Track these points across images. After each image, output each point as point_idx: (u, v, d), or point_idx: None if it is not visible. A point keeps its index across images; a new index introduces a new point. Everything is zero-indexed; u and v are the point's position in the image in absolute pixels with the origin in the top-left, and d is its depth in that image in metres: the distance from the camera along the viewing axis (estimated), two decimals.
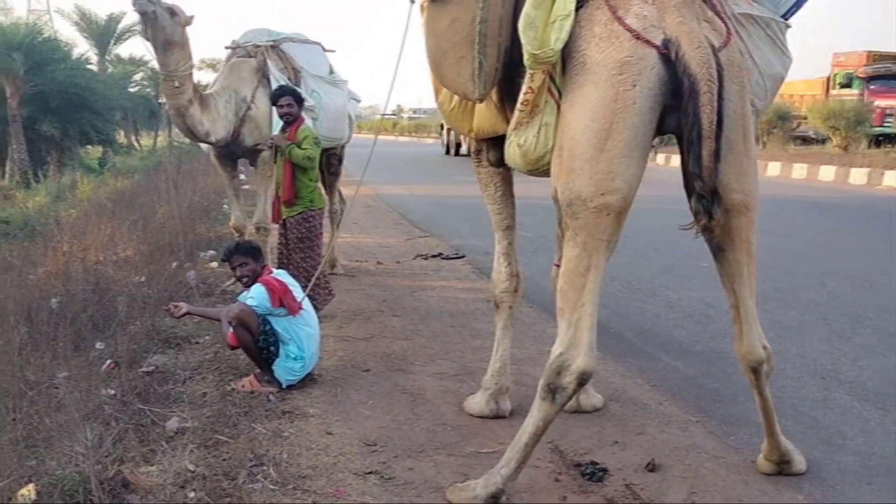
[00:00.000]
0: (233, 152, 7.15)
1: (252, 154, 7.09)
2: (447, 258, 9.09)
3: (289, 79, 7.16)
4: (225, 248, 4.98)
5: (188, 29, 6.26)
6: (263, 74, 7.07)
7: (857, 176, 17.40)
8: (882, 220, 11.85)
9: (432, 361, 5.17)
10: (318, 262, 5.81)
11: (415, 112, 51.90)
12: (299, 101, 5.98)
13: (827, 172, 18.39)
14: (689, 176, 2.96)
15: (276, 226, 6.21)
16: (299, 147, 5.74)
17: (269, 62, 7.13)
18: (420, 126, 51.20)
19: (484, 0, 3.41)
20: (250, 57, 7.24)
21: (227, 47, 7.54)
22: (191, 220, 10.27)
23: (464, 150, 26.22)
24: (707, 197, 2.92)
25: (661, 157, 20.22)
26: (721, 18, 3.21)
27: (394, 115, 41.96)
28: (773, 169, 19.82)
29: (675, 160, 3.15)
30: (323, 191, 6.88)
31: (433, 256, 9.16)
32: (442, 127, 33.72)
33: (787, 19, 3.57)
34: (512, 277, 4.20)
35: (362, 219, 12.46)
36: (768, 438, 3.52)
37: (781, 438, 3.51)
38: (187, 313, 4.79)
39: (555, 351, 3.13)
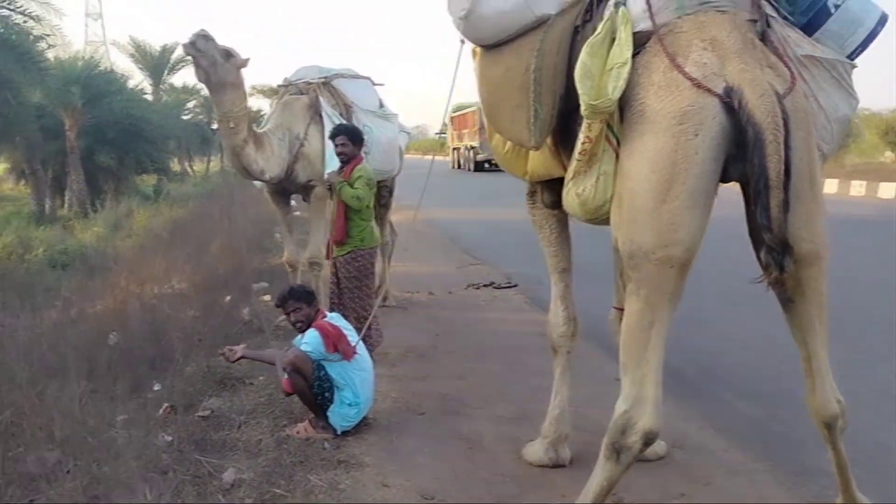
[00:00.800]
0: (286, 189, 7.21)
1: (305, 190, 7.13)
2: (499, 287, 9.03)
3: (341, 114, 7.21)
4: (279, 293, 4.98)
5: (243, 70, 6.34)
6: (316, 111, 7.13)
7: None
8: None
9: (488, 403, 5.09)
10: (370, 302, 5.78)
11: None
12: (355, 139, 5.98)
13: (887, 189, 17.87)
14: (757, 227, 2.85)
15: (329, 262, 6.22)
16: (351, 186, 5.74)
17: (321, 99, 7.18)
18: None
19: (538, 48, 3.36)
20: (302, 94, 7.30)
21: (279, 85, 7.63)
22: (244, 252, 10.37)
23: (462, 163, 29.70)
24: (777, 249, 2.81)
25: None
26: (784, 63, 3.10)
27: (443, 133, 41.73)
28: (830, 186, 19.32)
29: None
30: (376, 229, 6.87)
31: (485, 286, 9.10)
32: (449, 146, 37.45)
33: (853, 59, 3.44)
34: (569, 321, 4.11)
35: (413, 246, 12.43)
36: (843, 494, 3.35)
37: (857, 494, 3.35)
38: (242, 357, 4.80)
39: (619, 408, 3.03)
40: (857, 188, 18.79)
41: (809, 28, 3.39)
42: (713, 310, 7.32)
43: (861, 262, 9.18)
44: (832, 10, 3.39)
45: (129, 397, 5.08)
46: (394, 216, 8.68)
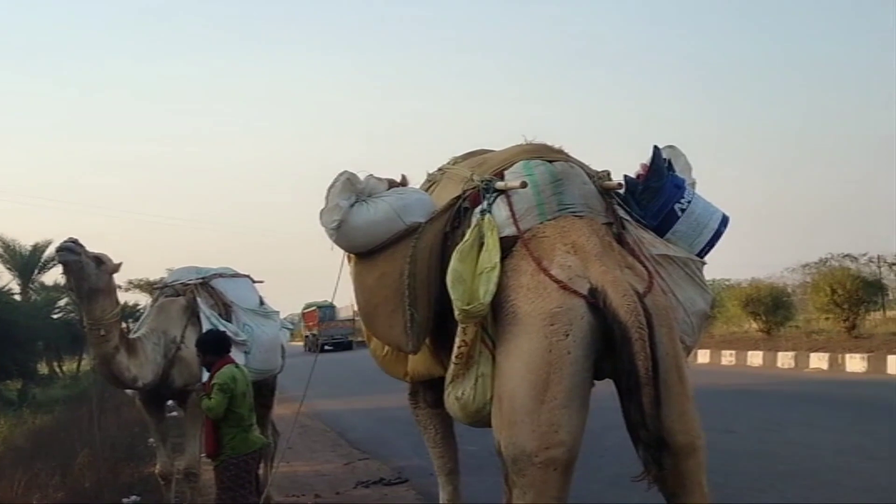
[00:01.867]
0: (161, 394, 6.88)
1: (182, 395, 6.82)
2: (390, 484, 8.70)
3: (220, 314, 7.08)
4: None
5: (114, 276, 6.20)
6: (193, 312, 6.97)
7: (785, 359, 17.87)
8: (819, 407, 12.01)
9: None
10: None
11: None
12: (207, 348, 5.68)
13: (755, 357, 18.85)
14: (634, 425, 2.90)
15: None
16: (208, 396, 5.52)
17: (198, 299, 7.05)
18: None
19: (411, 255, 3.47)
20: (179, 295, 7.16)
21: (154, 287, 7.46)
22: (114, 462, 9.67)
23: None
24: (654, 446, 2.86)
25: None
26: (641, 262, 3.31)
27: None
28: (703, 356, 20.21)
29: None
30: (255, 432, 6.54)
31: (374, 483, 8.75)
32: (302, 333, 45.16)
33: (702, 257, 3.71)
34: None
35: (298, 442, 11.97)
36: None
37: None
38: None
39: None
40: (728, 357, 19.73)
41: (660, 230, 3.67)
42: (603, 493, 7.25)
43: (744, 434, 9.47)
44: (679, 214, 3.68)
45: None
46: (277, 410, 8.38)
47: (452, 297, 3.16)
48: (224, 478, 5.51)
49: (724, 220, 3.72)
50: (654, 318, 3.01)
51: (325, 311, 40.61)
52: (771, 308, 22.29)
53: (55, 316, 35.36)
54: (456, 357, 3.24)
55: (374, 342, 4.02)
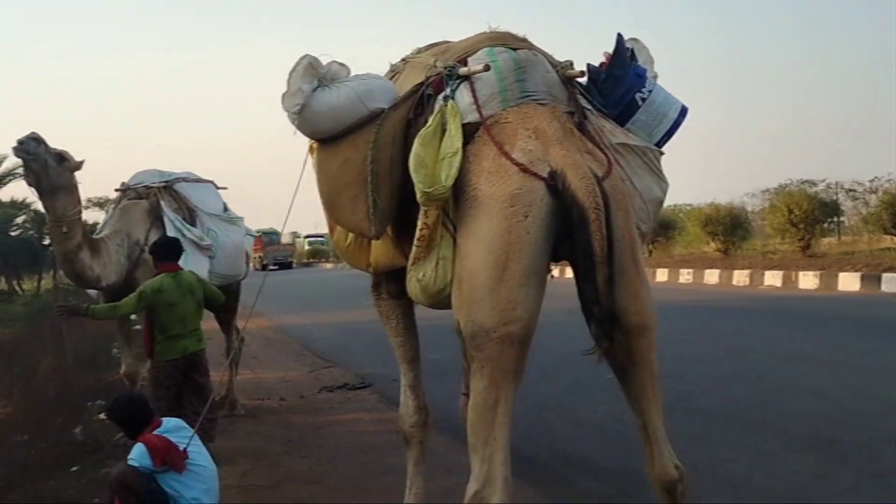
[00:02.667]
0: (125, 296, 6.88)
1: None
2: (353, 388, 8.88)
3: (184, 218, 7.04)
4: (107, 408, 4.71)
5: (77, 173, 6.11)
6: (157, 216, 6.93)
7: (740, 277, 18.32)
8: (770, 320, 12.40)
9: None
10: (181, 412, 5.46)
11: (310, 237, 53.80)
12: (155, 251, 5.78)
13: (712, 276, 19.30)
14: (587, 302, 3.00)
15: None
16: None
17: (162, 203, 7.00)
18: (317, 252, 52.33)
19: (373, 141, 3.47)
20: (141, 199, 7.09)
21: (116, 189, 7.37)
22: (77, 370, 9.71)
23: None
24: (606, 321, 2.96)
25: (555, 270, 20.74)
26: (601, 149, 3.36)
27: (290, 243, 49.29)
28: (661, 275, 20.64)
29: (569, 272, 3.19)
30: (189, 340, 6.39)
31: (338, 388, 8.93)
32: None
33: (660, 147, 3.77)
34: (420, 411, 4.11)
35: (262, 352, 12.12)
36: None
37: None
38: None
39: (470, 489, 3.03)
40: (686, 276, 20.16)
41: (621, 119, 3.71)
42: (561, 397, 7.51)
43: (696, 343, 9.78)
44: (639, 103, 3.73)
45: None
46: (241, 323, 8.43)
47: (415, 180, 3.19)
48: (150, 378, 5.69)
49: (683, 111, 3.77)
50: (611, 202, 3.07)
51: (269, 237, 43.03)
52: (729, 228, 22.72)
53: (13, 233, 34.76)
54: (417, 240, 3.29)
55: (337, 232, 4.05)
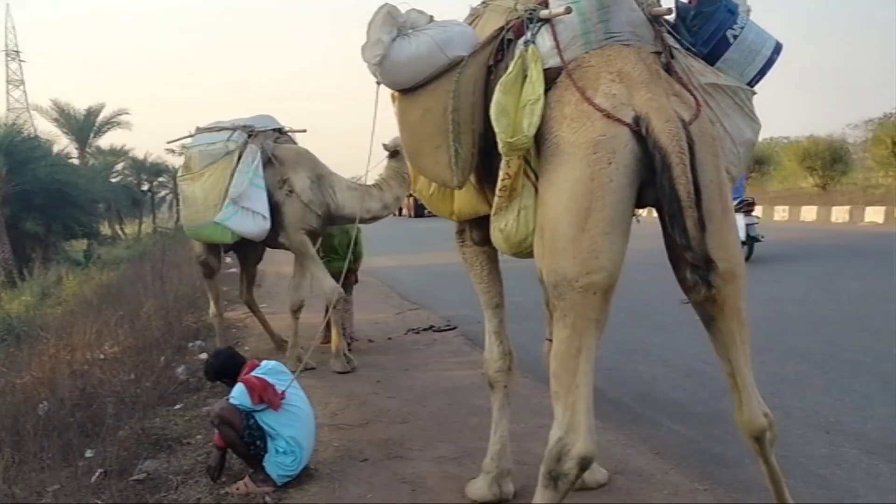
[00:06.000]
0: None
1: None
2: (439, 330, 9.03)
3: None
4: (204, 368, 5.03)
5: None
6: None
7: (839, 214, 17.58)
8: (871, 258, 11.90)
9: (430, 445, 5.06)
10: None
11: None
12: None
13: (809, 212, 18.58)
14: (677, 249, 2.93)
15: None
16: None
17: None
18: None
19: (454, 89, 3.43)
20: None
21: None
22: (177, 312, 10.18)
23: None
24: (702, 266, 2.88)
25: (642, 212, 20.34)
26: (689, 91, 3.23)
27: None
28: (755, 212, 19.97)
29: (654, 213, 3.13)
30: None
31: (424, 330, 9.10)
32: None
33: (752, 86, 3.61)
34: (505, 356, 4.14)
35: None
36: None
37: None
38: None
39: (553, 436, 3.05)
40: (781, 213, 19.47)
41: (711, 58, 3.55)
42: (647, 339, 7.45)
43: (792, 285, 9.50)
44: (731, 41, 3.55)
45: (60, 466, 4.91)
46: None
47: (496, 129, 3.14)
48: None
49: (778, 48, 3.58)
50: (697, 146, 2.96)
51: None
52: (828, 162, 21.77)
53: (114, 180, 36.26)
54: (500, 190, 3.27)
55: (420, 181, 4.06)
